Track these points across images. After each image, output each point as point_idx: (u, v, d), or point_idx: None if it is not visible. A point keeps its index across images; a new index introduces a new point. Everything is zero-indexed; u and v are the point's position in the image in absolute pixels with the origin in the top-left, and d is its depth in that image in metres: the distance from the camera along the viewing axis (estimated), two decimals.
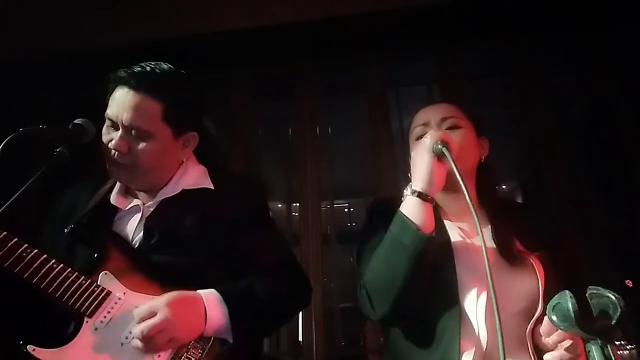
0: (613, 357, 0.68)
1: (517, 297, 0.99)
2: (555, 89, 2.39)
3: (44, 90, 2.58)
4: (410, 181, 1.05)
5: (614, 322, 0.67)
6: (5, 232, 0.95)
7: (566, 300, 0.69)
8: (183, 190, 1.14)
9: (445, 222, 1.12)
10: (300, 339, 2.27)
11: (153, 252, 1.06)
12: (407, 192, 1.05)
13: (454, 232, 1.10)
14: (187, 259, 1.06)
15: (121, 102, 1.05)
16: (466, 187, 0.87)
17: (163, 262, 1.05)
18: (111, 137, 1.07)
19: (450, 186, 1.06)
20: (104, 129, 1.10)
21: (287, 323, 1.25)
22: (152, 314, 0.89)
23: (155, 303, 0.92)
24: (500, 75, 2.66)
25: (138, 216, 1.13)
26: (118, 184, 1.18)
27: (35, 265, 0.96)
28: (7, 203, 0.95)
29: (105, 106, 1.10)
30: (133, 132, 1.05)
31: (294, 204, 2.61)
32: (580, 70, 2.43)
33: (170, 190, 1.14)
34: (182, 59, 2.51)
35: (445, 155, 0.98)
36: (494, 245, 1.05)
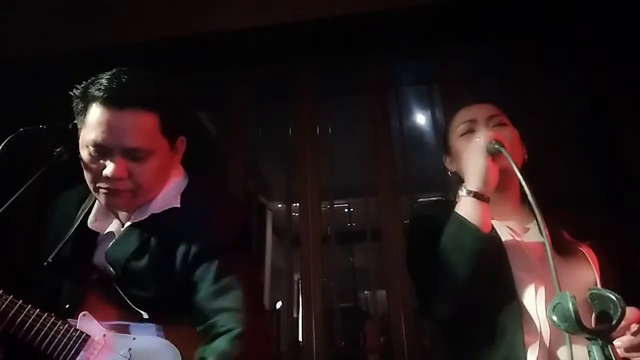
0: (613, 357, 0.68)
1: (575, 287, 0.99)
2: (555, 89, 2.39)
3: (44, 90, 2.58)
4: (463, 181, 1.07)
5: (614, 322, 0.67)
6: None
7: (566, 300, 0.69)
8: (151, 215, 1.04)
9: (493, 222, 1.12)
10: (300, 339, 2.27)
11: (127, 284, 1.01)
12: (461, 192, 1.05)
13: (503, 231, 1.10)
14: (156, 292, 1.00)
15: (109, 124, 0.93)
16: (522, 183, 0.89)
17: (136, 295, 1.00)
18: (102, 166, 0.96)
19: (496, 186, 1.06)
20: (86, 156, 0.98)
21: None
22: None
23: None
24: (500, 75, 2.65)
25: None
26: (96, 205, 1.10)
27: (11, 314, 0.93)
28: (7, 203, 0.95)
29: (69, 122, 1.02)
30: (131, 154, 0.96)
31: (294, 204, 2.61)
32: (580, 70, 2.42)
33: (139, 215, 1.05)
34: (182, 59, 2.54)
35: (501, 153, 1.00)
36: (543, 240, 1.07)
